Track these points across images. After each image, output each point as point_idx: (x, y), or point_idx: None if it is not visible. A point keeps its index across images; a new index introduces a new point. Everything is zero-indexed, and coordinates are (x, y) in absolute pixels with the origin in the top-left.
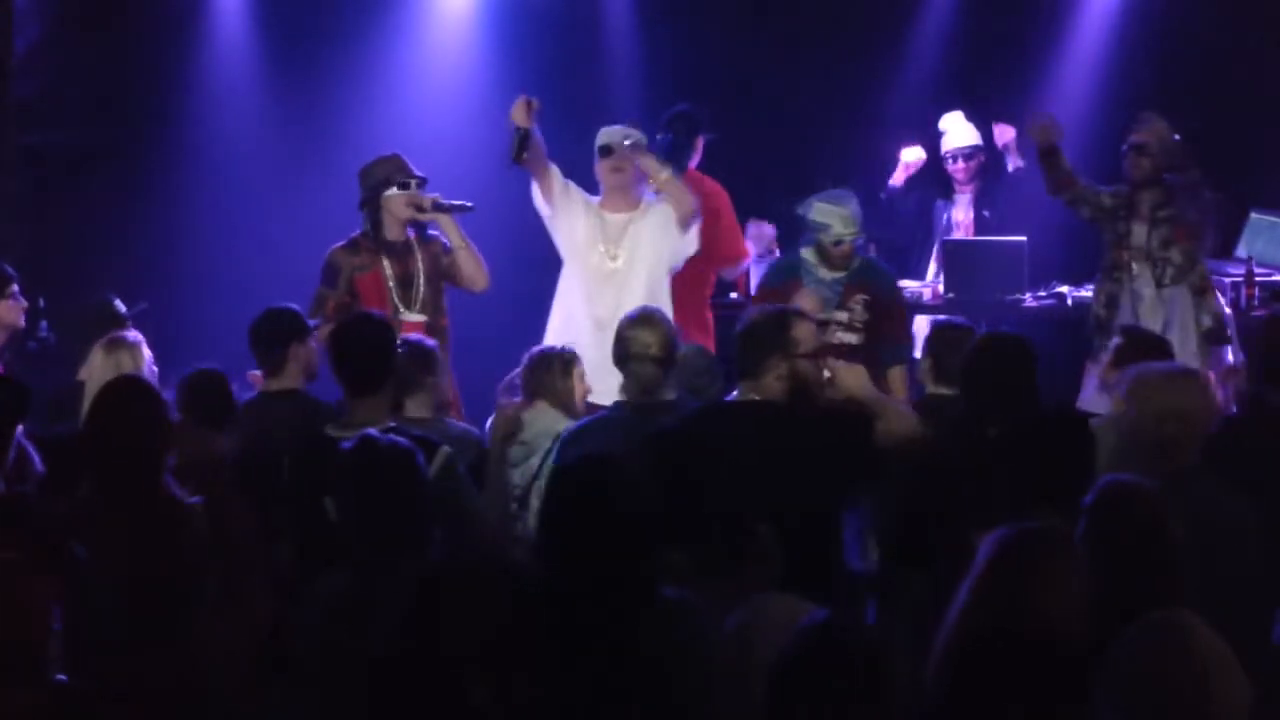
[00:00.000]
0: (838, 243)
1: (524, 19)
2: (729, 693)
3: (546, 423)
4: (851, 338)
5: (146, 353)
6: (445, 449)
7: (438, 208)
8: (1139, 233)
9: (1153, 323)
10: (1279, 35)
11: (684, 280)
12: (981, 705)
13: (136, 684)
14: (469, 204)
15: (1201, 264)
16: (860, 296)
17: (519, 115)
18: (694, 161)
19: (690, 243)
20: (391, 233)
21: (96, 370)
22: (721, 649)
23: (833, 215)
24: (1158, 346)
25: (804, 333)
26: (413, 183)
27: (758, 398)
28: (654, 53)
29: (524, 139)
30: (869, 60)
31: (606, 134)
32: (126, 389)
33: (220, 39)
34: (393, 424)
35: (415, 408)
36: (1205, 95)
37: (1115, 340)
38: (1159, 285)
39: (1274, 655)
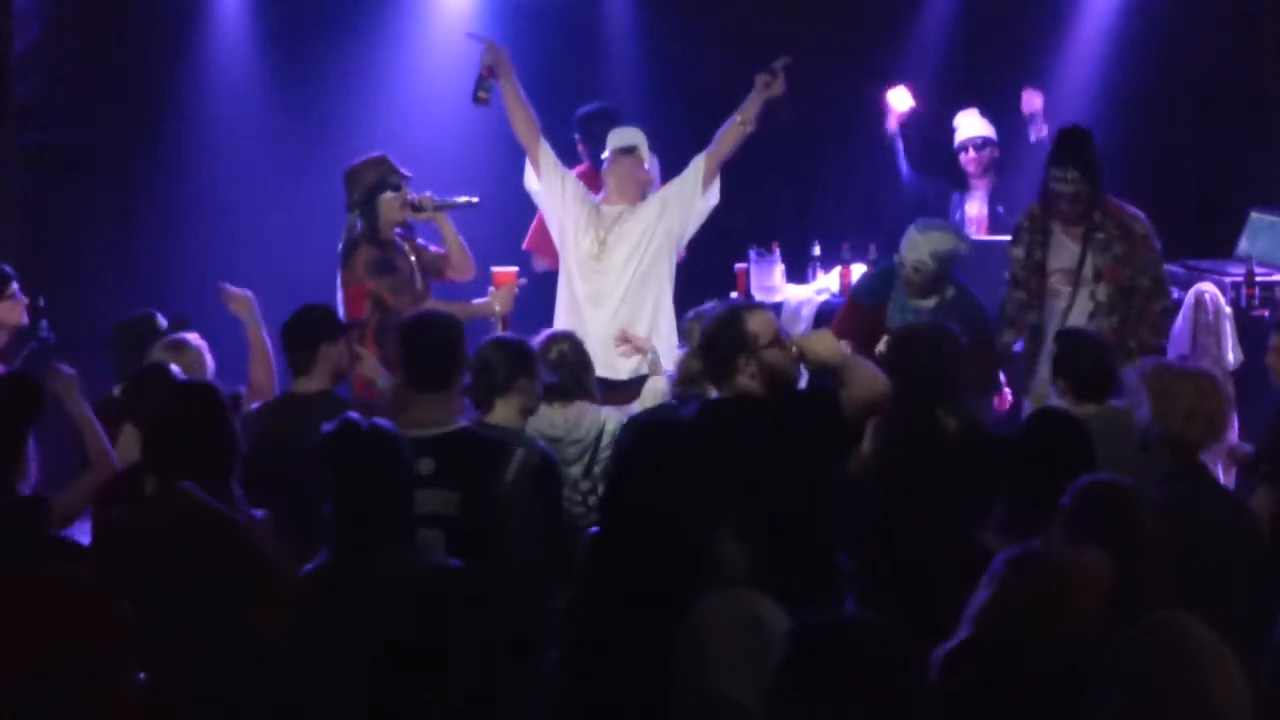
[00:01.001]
0: (905, 267)
1: (524, 19)
2: (684, 687)
3: (591, 419)
4: None
5: (209, 360)
6: (521, 451)
7: (438, 208)
8: (1066, 252)
9: None
10: (1278, 35)
11: None
12: (993, 710)
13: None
14: (473, 198)
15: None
16: None
17: (488, 57)
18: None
19: (712, 196)
20: (385, 233)
21: None
22: (678, 640)
23: (910, 243)
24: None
25: (760, 324)
26: (404, 184)
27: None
28: (654, 52)
29: (482, 81)
30: (869, 60)
31: (630, 135)
32: (196, 392)
33: (220, 39)
34: (462, 424)
35: (501, 410)
36: (1205, 95)
37: (1050, 347)
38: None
39: (1276, 654)
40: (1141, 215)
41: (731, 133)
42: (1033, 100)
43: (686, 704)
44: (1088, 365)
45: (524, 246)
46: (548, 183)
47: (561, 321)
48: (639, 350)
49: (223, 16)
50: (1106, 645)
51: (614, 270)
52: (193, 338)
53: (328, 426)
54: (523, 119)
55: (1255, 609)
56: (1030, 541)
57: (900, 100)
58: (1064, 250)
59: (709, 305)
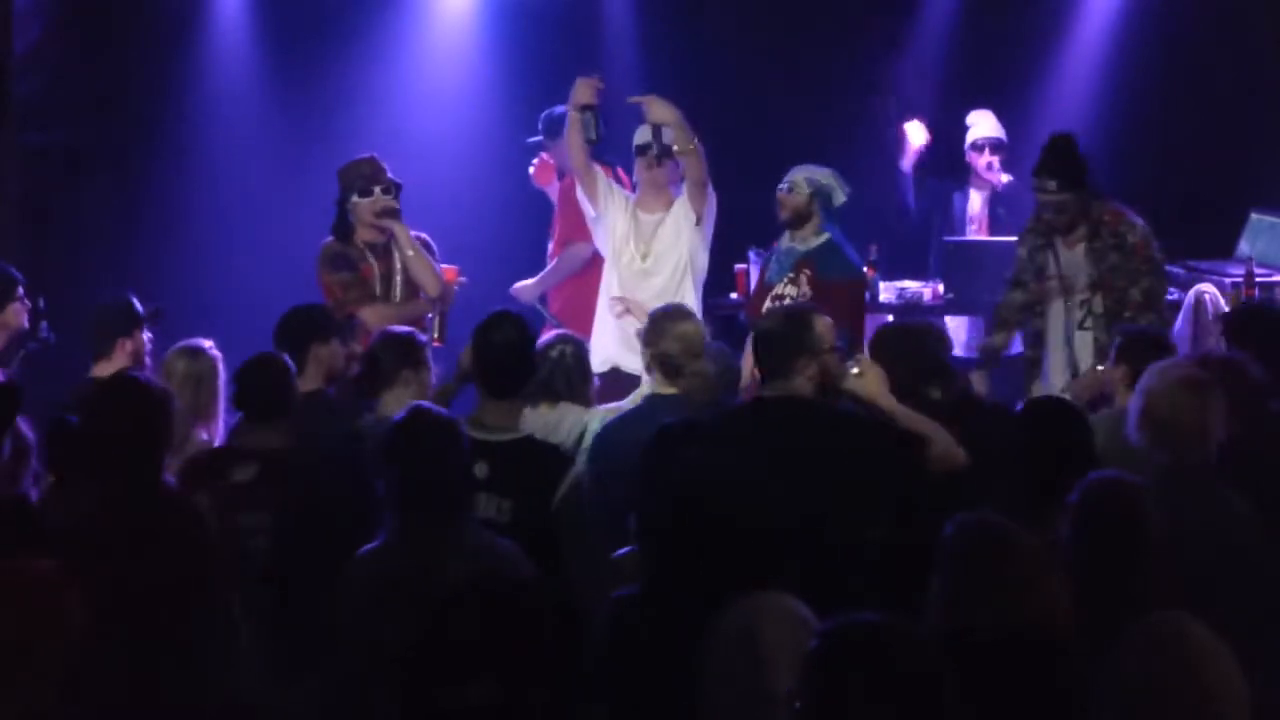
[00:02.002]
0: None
1: (524, 19)
2: (730, 692)
3: (573, 420)
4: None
5: (222, 371)
6: (579, 469)
7: (388, 213)
8: (1067, 259)
9: (1079, 360)
10: (1278, 35)
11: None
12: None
13: (144, 690)
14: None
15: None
16: (807, 273)
17: (586, 94)
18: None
19: (708, 211)
20: (366, 235)
21: (176, 377)
22: (721, 647)
23: (791, 171)
24: (1157, 342)
25: (825, 328)
26: (377, 189)
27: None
28: (654, 52)
29: (597, 116)
30: (870, 60)
31: (642, 133)
32: (126, 386)
33: (220, 39)
34: (526, 433)
35: (390, 402)
36: (1205, 95)
37: (1116, 340)
38: (1080, 325)
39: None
40: (1139, 223)
41: (689, 161)
42: (979, 160)
43: (732, 705)
44: (1154, 357)
45: (551, 251)
46: (603, 208)
47: (602, 328)
48: (629, 313)
49: (223, 17)
50: (1100, 643)
51: (658, 283)
52: (208, 346)
53: (400, 414)
54: (579, 148)
55: (1248, 610)
56: (959, 517)
57: (917, 135)
58: (1066, 255)
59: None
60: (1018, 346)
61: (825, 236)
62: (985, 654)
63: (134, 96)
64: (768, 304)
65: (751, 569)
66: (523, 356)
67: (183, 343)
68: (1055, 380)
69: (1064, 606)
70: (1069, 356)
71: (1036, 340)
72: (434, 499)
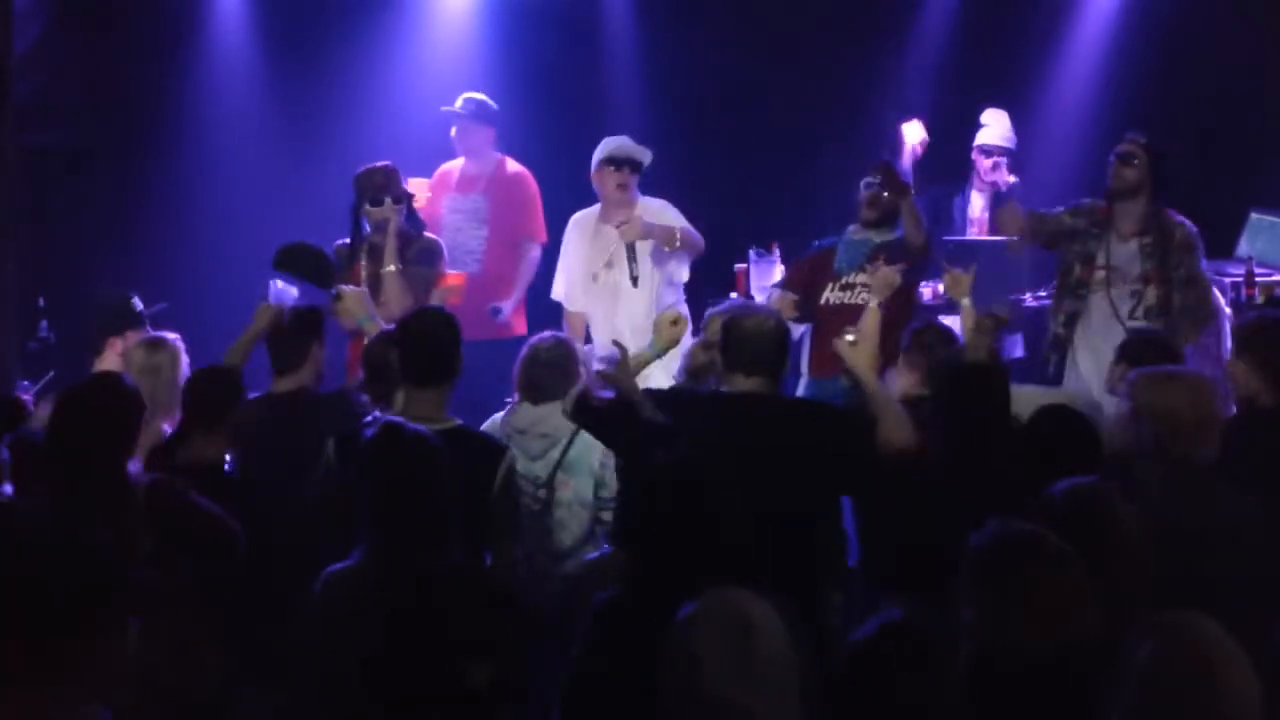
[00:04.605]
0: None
1: (524, 18)
2: (672, 686)
3: (560, 419)
4: (872, 299)
5: (185, 357)
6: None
7: (380, 227)
8: (1119, 252)
9: (1108, 350)
10: (1278, 34)
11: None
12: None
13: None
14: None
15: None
16: (882, 261)
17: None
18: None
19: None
20: (377, 239)
21: (135, 369)
22: (667, 641)
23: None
24: (1161, 345)
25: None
26: (387, 200)
27: None
28: (654, 52)
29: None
30: (870, 59)
31: (619, 147)
32: (99, 387)
33: (220, 39)
34: (458, 423)
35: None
36: (1206, 95)
37: (1087, 338)
38: (1130, 315)
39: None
40: (1186, 222)
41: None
42: (984, 163)
43: (675, 703)
44: (1152, 359)
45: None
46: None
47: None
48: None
49: (223, 16)
50: (1106, 645)
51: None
52: (171, 337)
53: (370, 431)
54: None
55: (1253, 612)
56: (989, 527)
57: (914, 134)
58: (1119, 249)
59: (731, 301)
60: (1019, 350)
61: (899, 232)
62: (1024, 679)
63: (134, 96)
64: (834, 293)
65: (723, 565)
66: (444, 345)
67: (146, 336)
68: (1085, 367)
69: (1095, 617)
70: (1102, 345)
71: (1070, 320)
72: (409, 519)
